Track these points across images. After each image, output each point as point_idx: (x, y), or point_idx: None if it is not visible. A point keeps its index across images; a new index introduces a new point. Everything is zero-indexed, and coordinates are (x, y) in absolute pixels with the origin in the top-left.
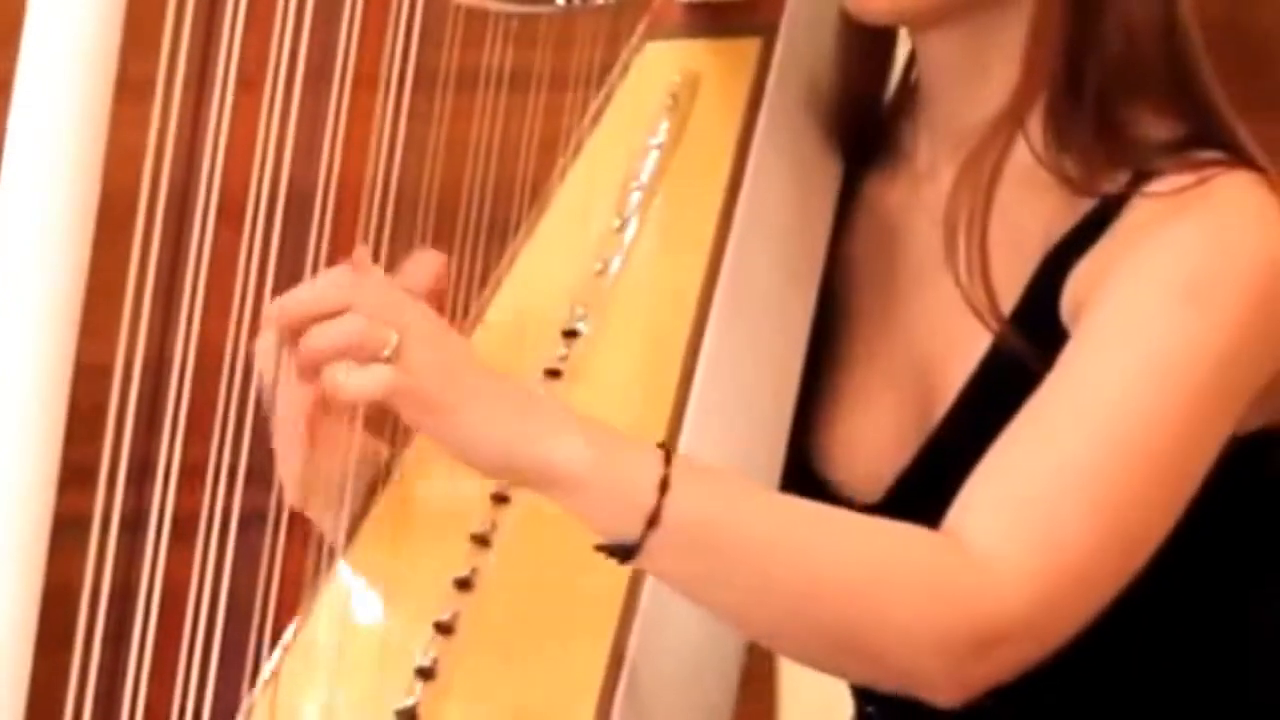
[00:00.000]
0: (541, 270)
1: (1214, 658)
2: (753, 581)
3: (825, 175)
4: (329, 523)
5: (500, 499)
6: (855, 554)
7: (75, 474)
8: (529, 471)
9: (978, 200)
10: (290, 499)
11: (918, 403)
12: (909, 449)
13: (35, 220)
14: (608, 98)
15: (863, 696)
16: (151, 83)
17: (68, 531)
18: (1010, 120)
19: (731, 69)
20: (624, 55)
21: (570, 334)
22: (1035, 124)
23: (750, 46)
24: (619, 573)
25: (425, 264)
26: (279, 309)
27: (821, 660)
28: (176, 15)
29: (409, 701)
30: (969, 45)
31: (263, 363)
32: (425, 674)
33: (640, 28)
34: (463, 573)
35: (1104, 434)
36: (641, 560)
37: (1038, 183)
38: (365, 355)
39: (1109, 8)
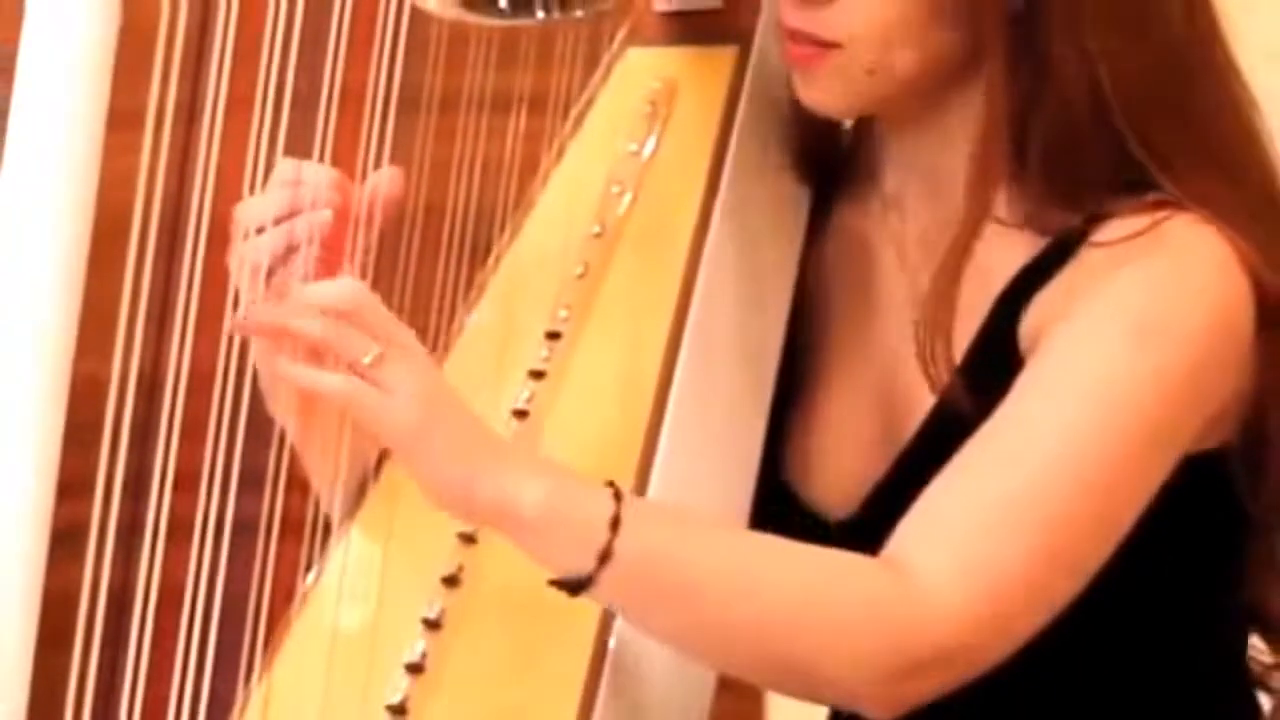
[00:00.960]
0: (526, 273)
1: (1160, 671)
2: (697, 615)
3: (797, 176)
4: (326, 477)
5: None
6: (795, 587)
7: (73, 483)
8: (486, 508)
9: (943, 299)
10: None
11: (887, 423)
12: (879, 467)
13: (33, 242)
14: (589, 103)
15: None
16: (143, 108)
17: (66, 538)
18: (971, 222)
19: (708, 76)
20: (605, 60)
21: (553, 335)
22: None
23: (726, 54)
24: None
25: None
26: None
27: (766, 683)
28: (167, 41)
29: (398, 697)
30: (925, 115)
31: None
32: (414, 669)
33: (620, 34)
34: (450, 570)
35: (1043, 467)
36: (593, 593)
37: (1000, 231)
38: (344, 356)
39: (1045, 94)
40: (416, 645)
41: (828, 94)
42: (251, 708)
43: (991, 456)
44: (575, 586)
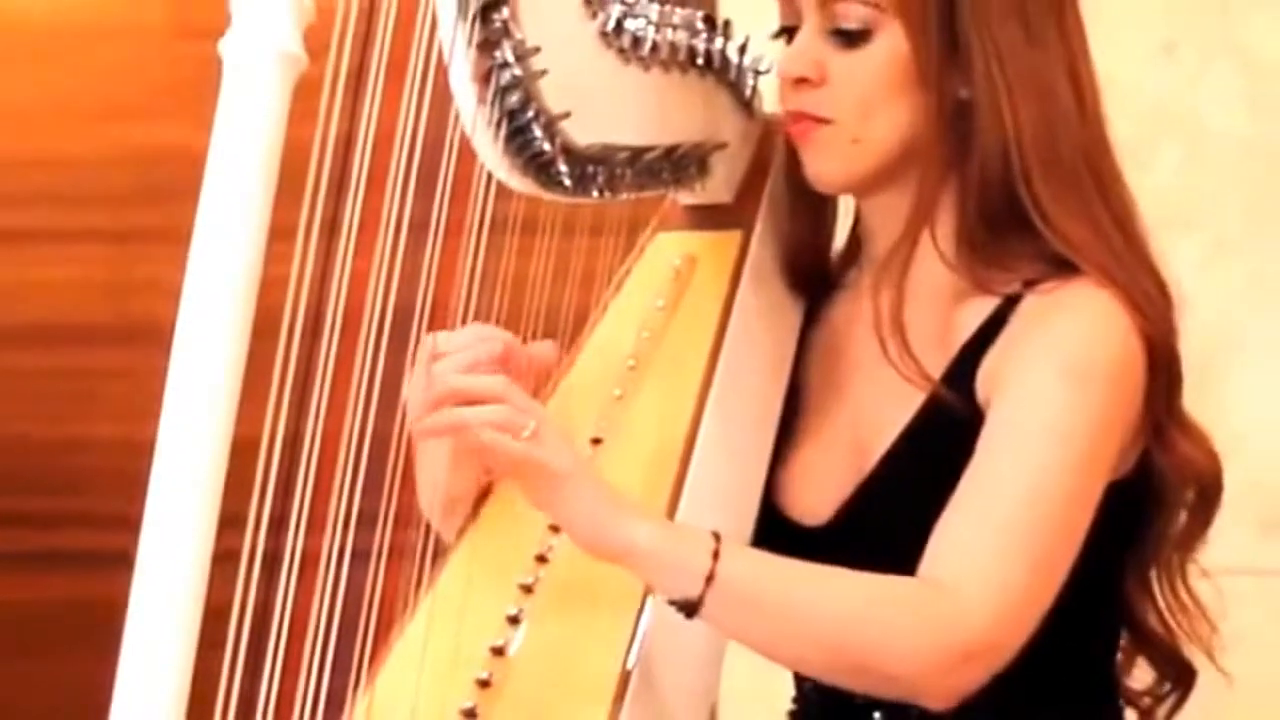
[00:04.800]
0: (576, 396)
1: (1067, 634)
2: (786, 626)
3: (789, 313)
4: (450, 531)
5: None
6: (863, 601)
7: (230, 519)
8: (616, 544)
9: (893, 277)
10: (424, 511)
11: (853, 459)
12: (846, 489)
13: (207, 329)
14: (627, 272)
15: (799, 674)
16: (294, 226)
17: (223, 563)
18: (912, 228)
19: (720, 253)
20: (640, 241)
21: (596, 440)
22: (948, 245)
23: (734, 238)
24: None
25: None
26: (444, 386)
27: (841, 680)
28: (316, 177)
29: (484, 674)
30: (896, 199)
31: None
32: (498, 651)
33: (653, 222)
34: (527, 579)
35: (1032, 492)
36: (702, 612)
37: (956, 293)
38: (511, 431)
39: (971, 154)
40: (502, 637)
41: (825, 164)
42: (360, 706)
43: (987, 490)
44: (687, 607)
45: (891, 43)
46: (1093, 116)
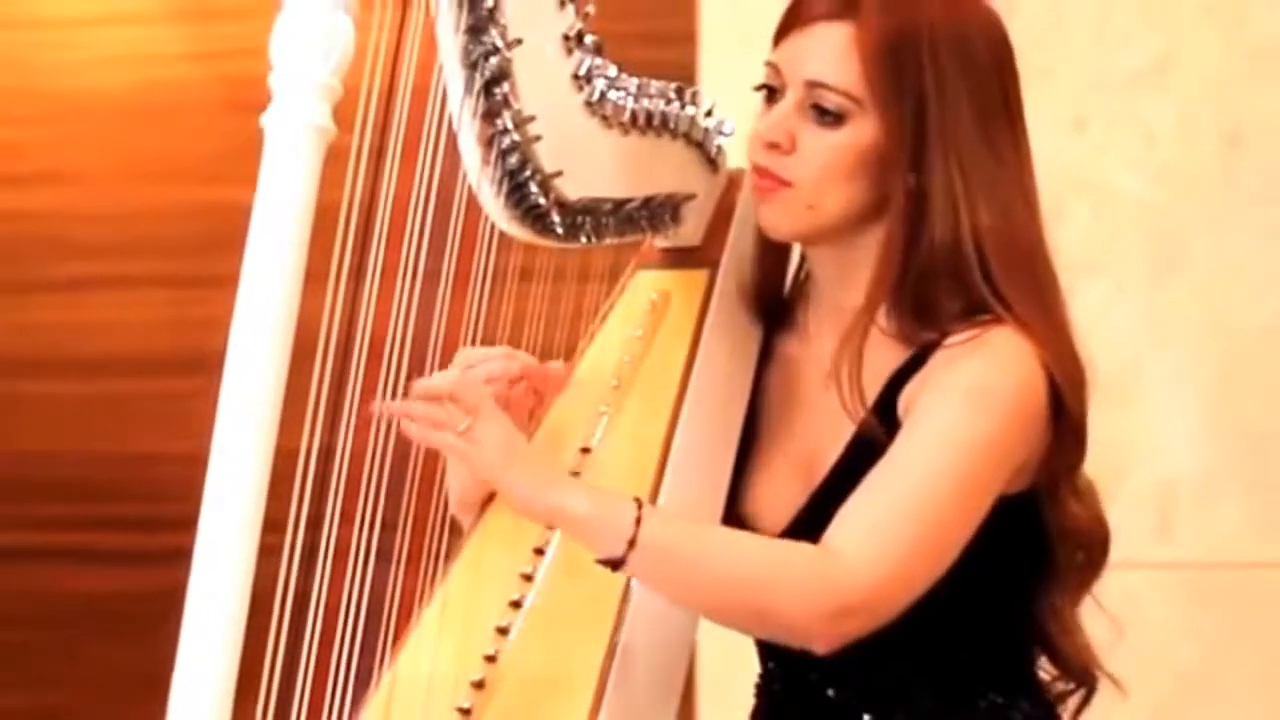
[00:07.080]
0: (568, 413)
1: (990, 632)
2: (695, 581)
3: (748, 342)
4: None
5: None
6: (761, 561)
7: (272, 522)
8: (548, 514)
9: (853, 356)
10: (453, 510)
11: (804, 476)
12: (800, 501)
13: (253, 358)
14: (611, 306)
15: (764, 656)
16: (327, 273)
17: (267, 559)
18: (868, 311)
19: (690, 289)
20: (622, 279)
21: (585, 450)
22: (881, 315)
23: (701, 275)
24: (619, 580)
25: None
26: (418, 389)
27: (742, 627)
28: (344, 231)
29: (491, 650)
30: (841, 253)
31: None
32: (503, 631)
33: (633, 262)
34: (527, 569)
35: (920, 485)
36: (625, 570)
37: (884, 340)
38: (448, 428)
39: (923, 241)
40: (505, 619)
41: (779, 219)
42: (384, 680)
43: (885, 480)
44: (612, 565)
45: (858, 133)
46: (1037, 217)
